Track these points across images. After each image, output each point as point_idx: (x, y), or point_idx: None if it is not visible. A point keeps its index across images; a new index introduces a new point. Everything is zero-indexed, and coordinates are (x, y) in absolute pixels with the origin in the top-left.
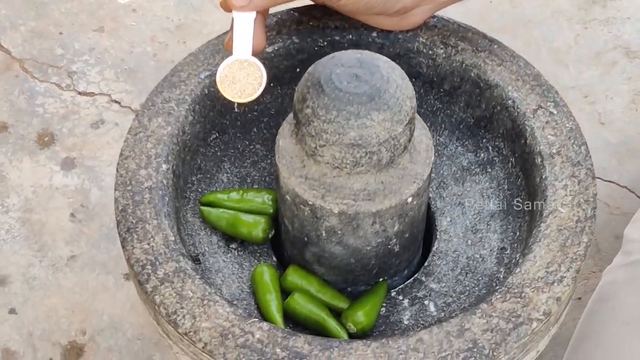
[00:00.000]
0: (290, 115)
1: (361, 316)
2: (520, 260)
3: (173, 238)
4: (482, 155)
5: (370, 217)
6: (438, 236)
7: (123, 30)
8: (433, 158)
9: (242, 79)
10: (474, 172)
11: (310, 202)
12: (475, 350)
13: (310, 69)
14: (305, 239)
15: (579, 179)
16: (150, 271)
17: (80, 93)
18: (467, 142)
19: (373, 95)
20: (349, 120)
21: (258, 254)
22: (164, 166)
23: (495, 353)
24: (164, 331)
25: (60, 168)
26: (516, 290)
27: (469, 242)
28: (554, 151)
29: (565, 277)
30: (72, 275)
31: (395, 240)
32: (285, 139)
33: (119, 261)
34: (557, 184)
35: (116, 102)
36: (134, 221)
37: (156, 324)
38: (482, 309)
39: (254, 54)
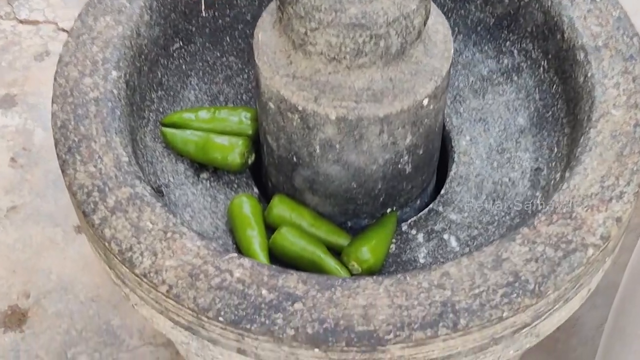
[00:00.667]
0: (273, 3)
1: (367, 253)
2: (566, 175)
3: (127, 159)
4: (505, 61)
5: (377, 125)
6: (456, 158)
7: None
8: (452, 50)
9: None
10: (496, 81)
11: (300, 108)
12: (516, 284)
13: None
14: (294, 159)
15: (633, 75)
16: (97, 199)
17: (21, 21)
18: (486, 47)
19: None
20: None
21: (235, 185)
22: (114, 73)
23: (542, 288)
24: (117, 276)
25: None
26: (565, 210)
27: (495, 164)
28: (600, 44)
29: (625, 192)
30: (12, 230)
31: (407, 157)
32: (266, 32)
33: (69, 213)
34: (606, 82)
35: (64, 30)
36: (76, 139)
37: (108, 268)
38: (523, 234)
39: None
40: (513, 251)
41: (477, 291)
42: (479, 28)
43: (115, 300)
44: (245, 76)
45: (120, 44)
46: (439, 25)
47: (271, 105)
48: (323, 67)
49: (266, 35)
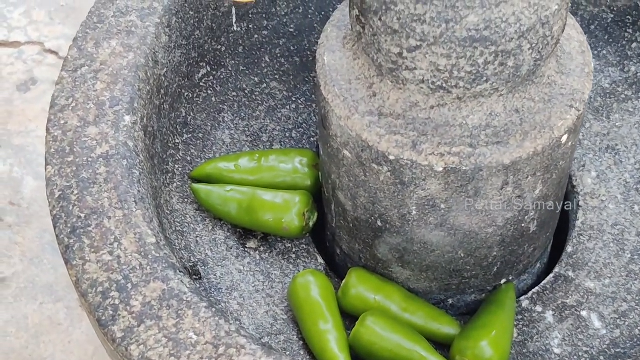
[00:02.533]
0: (338, 12)
1: (487, 348)
2: None
3: (154, 239)
4: (632, 68)
5: (500, 175)
6: (582, 202)
7: None
8: (593, 64)
9: None
10: (623, 96)
11: (391, 157)
12: None
13: None
14: (379, 223)
15: None
16: (117, 301)
17: (0, 44)
18: (604, 52)
19: None
20: None
21: (294, 255)
22: (128, 118)
23: None
24: None
25: None
26: None
27: (637, 207)
28: None
29: None
30: (2, 309)
31: (533, 213)
32: (333, 53)
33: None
34: None
35: (52, 52)
36: (82, 215)
37: None
38: None
39: None
40: None
41: None
42: (592, 27)
43: None
44: (293, 106)
45: (133, 77)
46: (570, 29)
47: (347, 153)
48: (423, 99)
49: (335, 57)
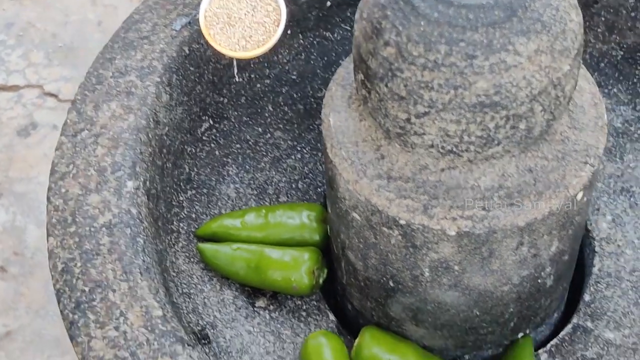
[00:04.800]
0: (342, 69)
1: None
2: None
3: (160, 312)
4: None
5: (515, 237)
6: (597, 248)
7: None
8: (606, 117)
9: (245, 18)
10: (636, 135)
11: (402, 222)
12: None
13: None
14: (391, 283)
15: None
16: None
17: None
18: (615, 90)
19: (513, 5)
20: (474, 58)
21: (304, 313)
22: (130, 184)
23: None
24: None
25: None
26: None
27: None
28: None
29: None
30: None
31: (549, 269)
32: (339, 114)
33: None
34: None
35: (51, 95)
36: (86, 289)
37: None
38: None
39: None
40: None
41: None
42: (602, 64)
43: None
44: (298, 156)
45: (134, 139)
46: (581, 80)
47: (356, 216)
48: (432, 162)
49: (340, 117)
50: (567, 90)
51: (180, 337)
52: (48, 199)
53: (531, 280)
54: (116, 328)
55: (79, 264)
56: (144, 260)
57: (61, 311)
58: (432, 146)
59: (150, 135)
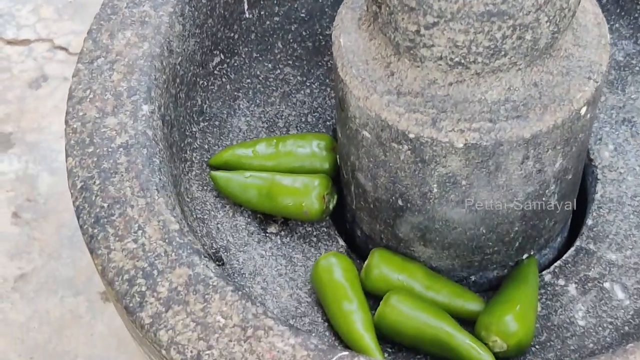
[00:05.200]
0: None
1: (512, 323)
2: None
3: (177, 225)
4: None
5: (520, 150)
6: (600, 175)
7: None
8: (609, 36)
9: None
10: (637, 68)
11: (411, 136)
12: None
13: None
14: (400, 202)
15: None
16: (144, 288)
17: (9, 42)
18: (617, 25)
19: None
20: None
21: (315, 238)
22: (146, 108)
23: None
24: None
25: None
26: None
27: None
28: None
29: None
30: (24, 305)
31: (554, 187)
32: (349, 35)
33: (93, 275)
34: None
35: (61, 48)
36: (105, 205)
37: None
38: None
39: None
40: None
41: None
42: (604, 0)
43: None
44: (307, 91)
45: (149, 66)
46: (585, 1)
47: (366, 134)
48: (441, 76)
49: (351, 38)
50: (571, 2)
51: (197, 249)
52: (66, 122)
53: (536, 198)
54: (135, 241)
55: (97, 182)
56: (160, 179)
57: (80, 226)
58: (440, 58)
59: (164, 63)
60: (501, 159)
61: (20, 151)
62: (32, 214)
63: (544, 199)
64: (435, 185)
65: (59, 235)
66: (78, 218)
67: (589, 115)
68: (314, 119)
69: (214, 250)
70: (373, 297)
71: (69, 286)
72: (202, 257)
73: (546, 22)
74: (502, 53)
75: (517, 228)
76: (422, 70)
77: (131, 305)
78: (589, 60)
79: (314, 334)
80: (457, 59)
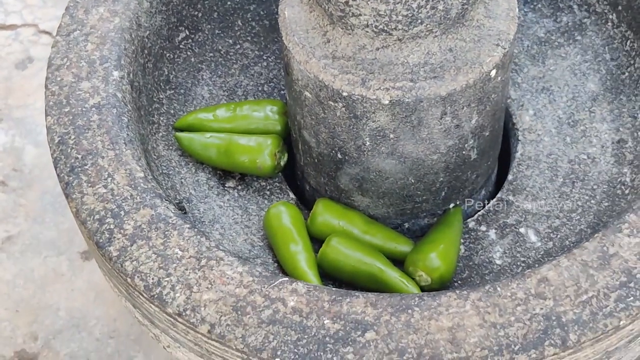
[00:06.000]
0: None
1: (436, 259)
2: None
3: (142, 174)
4: (564, 19)
5: (438, 106)
6: (520, 137)
7: None
8: (517, 9)
9: None
10: (556, 43)
11: (344, 94)
12: (631, 285)
13: None
14: (339, 155)
15: None
16: (112, 226)
17: None
18: (539, 5)
19: None
20: None
21: (268, 192)
22: (116, 73)
23: None
24: (144, 315)
25: None
26: None
27: (568, 139)
28: None
29: None
30: (10, 264)
31: (472, 141)
32: (293, 8)
33: (74, 237)
34: None
35: (46, 32)
36: (79, 156)
37: (131, 307)
38: (630, 221)
39: None
40: (622, 244)
41: (585, 297)
42: None
43: (136, 333)
44: (264, 64)
45: (119, 38)
46: None
47: (307, 94)
48: (369, 42)
49: (294, 11)
50: None
51: (159, 194)
52: (46, 86)
53: (456, 151)
54: (105, 186)
55: (72, 137)
56: (127, 134)
57: (58, 175)
58: (367, 26)
59: (133, 35)
60: (422, 114)
61: (7, 126)
62: (18, 183)
63: (464, 152)
64: (367, 139)
65: (43, 201)
66: (55, 168)
67: (499, 78)
68: (269, 88)
69: (177, 201)
70: (317, 242)
71: (52, 247)
72: (163, 200)
73: None
74: (419, 21)
75: (442, 179)
76: (353, 37)
77: (101, 241)
78: (498, 30)
79: (256, 260)
80: (381, 27)
